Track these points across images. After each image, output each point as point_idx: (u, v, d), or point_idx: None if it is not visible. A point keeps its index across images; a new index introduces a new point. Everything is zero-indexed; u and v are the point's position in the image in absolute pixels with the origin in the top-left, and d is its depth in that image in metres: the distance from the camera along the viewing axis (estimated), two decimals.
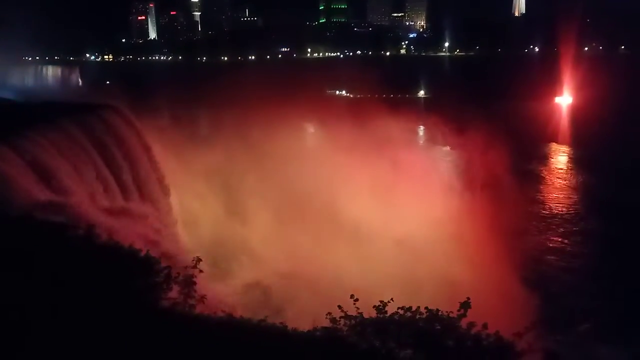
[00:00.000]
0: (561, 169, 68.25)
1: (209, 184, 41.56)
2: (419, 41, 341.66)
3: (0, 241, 12.19)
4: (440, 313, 9.47)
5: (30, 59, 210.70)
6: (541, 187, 59.22)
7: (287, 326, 10.15)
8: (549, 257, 41.25)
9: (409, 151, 48.12)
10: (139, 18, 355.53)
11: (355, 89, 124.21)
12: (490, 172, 44.91)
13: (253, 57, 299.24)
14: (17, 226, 13.88)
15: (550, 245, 43.51)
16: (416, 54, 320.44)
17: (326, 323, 9.79)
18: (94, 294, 9.87)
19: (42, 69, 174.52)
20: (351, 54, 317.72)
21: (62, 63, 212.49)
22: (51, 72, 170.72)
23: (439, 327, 9.30)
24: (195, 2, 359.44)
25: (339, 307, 10.01)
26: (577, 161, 69.90)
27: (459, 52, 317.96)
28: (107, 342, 8.54)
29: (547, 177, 64.06)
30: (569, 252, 42.23)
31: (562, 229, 46.68)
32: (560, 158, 73.56)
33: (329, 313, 9.98)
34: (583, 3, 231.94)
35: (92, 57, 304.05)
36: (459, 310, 9.51)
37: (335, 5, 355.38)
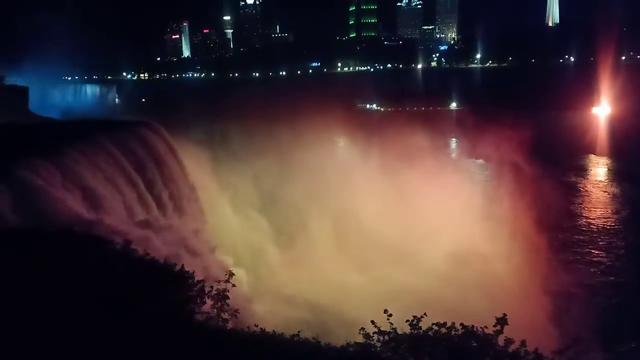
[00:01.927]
0: (600, 180, 66.29)
1: (243, 198, 41.77)
2: (450, 53, 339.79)
3: (39, 255, 12.58)
4: (475, 329, 9.26)
5: (69, 78, 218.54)
6: (580, 199, 57.61)
7: (320, 341, 10.08)
8: (591, 270, 39.91)
9: (442, 165, 47.55)
10: (173, 37, 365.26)
11: (385, 102, 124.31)
12: (526, 184, 44.05)
13: (284, 73, 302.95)
14: (57, 241, 14.29)
15: (593, 259, 42.11)
16: (447, 66, 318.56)
17: (360, 339, 9.70)
18: (130, 308, 10.06)
19: (81, 87, 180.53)
20: (382, 67, 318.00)
21: (100, 82, 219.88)
22: (90, 91, 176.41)
23: (475, 344, 9.08)
24: (227, 20, 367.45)
25: (372, 322, 9.90)
26: (617, 173, 67.81)
27: (491, 63, 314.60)
28: (141, 354, 8.66)
29: (586, 189, 62.28)
30: (612, 266, 40.79)
31: (604, 242, 45.22)
32: (599, 170, 71.49)
33: (362, 328, 9.88)
34: (619, 11, 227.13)
35: (129, 76, 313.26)
36: (494, 326, 9.28)
37: (366, 19, 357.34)
